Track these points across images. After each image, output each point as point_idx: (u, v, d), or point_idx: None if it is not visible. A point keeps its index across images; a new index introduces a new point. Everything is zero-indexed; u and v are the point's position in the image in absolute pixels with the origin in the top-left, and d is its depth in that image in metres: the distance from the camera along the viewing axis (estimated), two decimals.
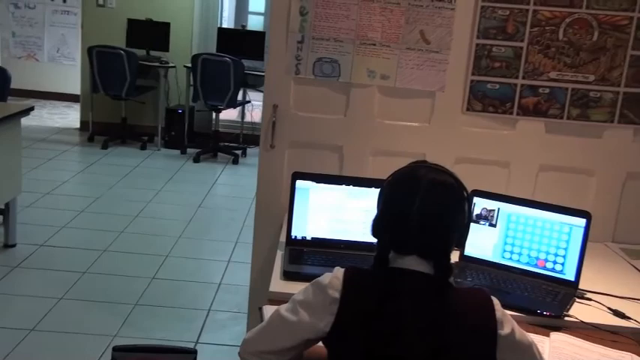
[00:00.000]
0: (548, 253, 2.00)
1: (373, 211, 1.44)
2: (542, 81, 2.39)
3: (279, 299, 1.59)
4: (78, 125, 7.13)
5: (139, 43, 6.64)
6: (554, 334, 1.72)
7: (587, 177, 2.47)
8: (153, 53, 6.68)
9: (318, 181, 2.11)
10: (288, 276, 1.91)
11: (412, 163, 1.45)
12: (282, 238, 2.15)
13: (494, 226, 2.06)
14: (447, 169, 1.42)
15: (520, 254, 2.04)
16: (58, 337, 3.05)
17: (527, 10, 2.34)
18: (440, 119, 2.44)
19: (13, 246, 3.96)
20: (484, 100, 2.42)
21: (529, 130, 2.43)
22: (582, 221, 1.96)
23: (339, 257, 2.01)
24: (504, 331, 1.33)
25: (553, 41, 2.35)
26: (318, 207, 2.11)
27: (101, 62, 6.29)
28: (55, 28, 8.21)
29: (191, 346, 3.02)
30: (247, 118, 7.07)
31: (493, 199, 2.07)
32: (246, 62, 6.25)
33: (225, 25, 7.34)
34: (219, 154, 6.59)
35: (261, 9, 7.56)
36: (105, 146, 6.46)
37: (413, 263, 1.35)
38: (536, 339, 1.61)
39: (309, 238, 2.12)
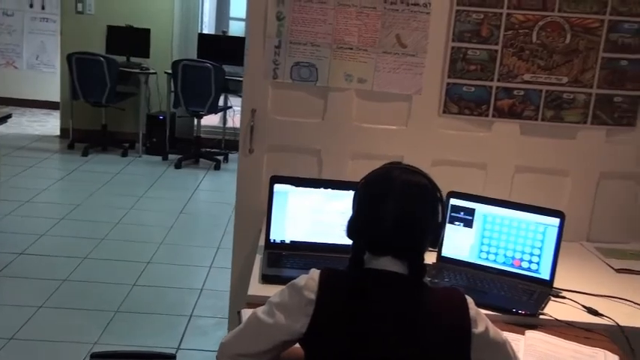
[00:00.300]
0: (523, 252, 2.03)
1: (350, 214, 1.46)
2: (517, 83, 2.42)
3: (257, 302, 1.59)
4: (58, 132, 7.08)
5: (119, 50, 6.61)
6: (529, 332, 1.75)
7: (561, 177, 2.50)
8: (133, 59, 6.65)
9: (296, 185, 2.12)
10: (266, 279, 1.92)
11: (386, 164, 1.47)
12: (262, 242, 2.15)
13: (470, 226, 2.09)
14: (420, 170, 1.44)
15: (496, 254, 2.07)
16: (38, 345, 3.02)
17: (501, 14, 2.37)
18: (417, 122, 2.46)
19: None
20: (460, 102, 2.44)
21: (504, 131, 2.47)
22: (556, 221, 1.99)
23: (318, 260, 2.02)
24: (478, 329, 1.35)
25: (527, 44, 2.39)
26: (296, 210, 2.13)
27: (81, 69, 6.26)
28: (34, 36, 8.15)
29: (173, 352, 3.00)
30: (229, 124, 7.06)
31: (469, 200, 2.09)
32: (227, 68, 6.25)
33: (205, 31, 7.34)
34: (200, 160, 6.57)
35: (243, 15, 7.53)
36: (85, 153, 6.42)
37: (388, 264, 1.37)
38: (512, 337, 1.63)
39: (287, 241, 2.13)
